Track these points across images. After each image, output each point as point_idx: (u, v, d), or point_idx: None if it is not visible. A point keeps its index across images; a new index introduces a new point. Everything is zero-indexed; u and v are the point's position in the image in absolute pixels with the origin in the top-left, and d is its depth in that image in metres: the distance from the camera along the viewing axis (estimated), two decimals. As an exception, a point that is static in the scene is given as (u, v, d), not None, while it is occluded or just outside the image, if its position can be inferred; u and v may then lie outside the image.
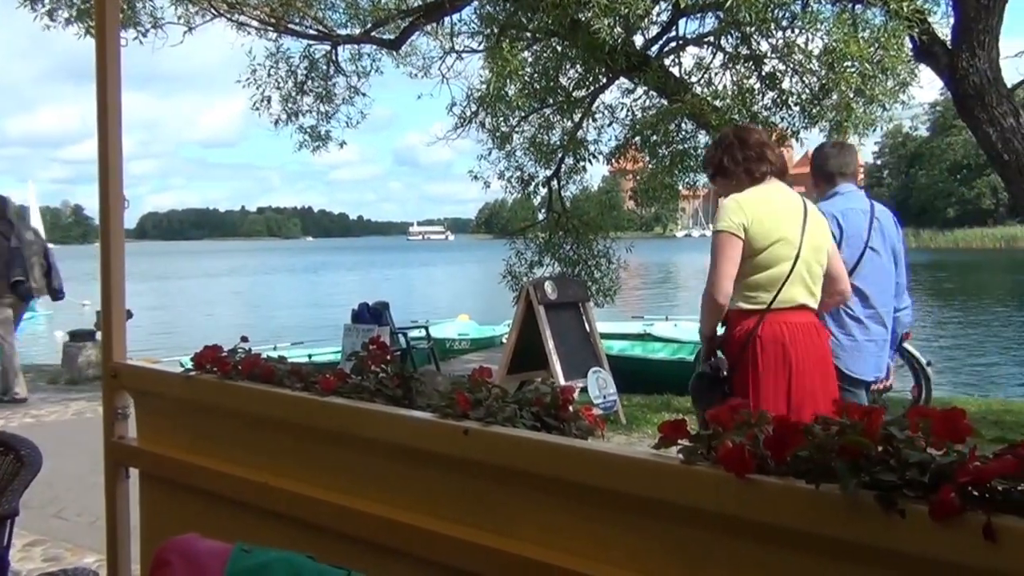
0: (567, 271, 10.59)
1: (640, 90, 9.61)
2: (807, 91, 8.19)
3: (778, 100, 8.47)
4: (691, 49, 9.34)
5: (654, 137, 9.14)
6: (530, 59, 9.51)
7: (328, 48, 10.75)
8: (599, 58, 8.09)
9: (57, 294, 9.20)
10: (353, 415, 2.12)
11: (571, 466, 1.71)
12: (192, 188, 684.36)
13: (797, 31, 7.69)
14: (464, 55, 10.63)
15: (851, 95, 7.47)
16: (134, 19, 9.43)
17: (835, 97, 7.76)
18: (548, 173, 11.02)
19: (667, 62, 9.05)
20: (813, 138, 10.24)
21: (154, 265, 70.10)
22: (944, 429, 1.32)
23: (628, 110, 10.01)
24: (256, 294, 44.81)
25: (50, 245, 9.66)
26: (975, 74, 7.01)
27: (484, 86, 9.25)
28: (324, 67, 10.76)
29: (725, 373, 3.48)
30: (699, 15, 8.81)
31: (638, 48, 8.73)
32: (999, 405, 9.73)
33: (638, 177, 11.57)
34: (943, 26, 7.56)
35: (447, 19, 10.25)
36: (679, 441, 1.57)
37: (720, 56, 9.03)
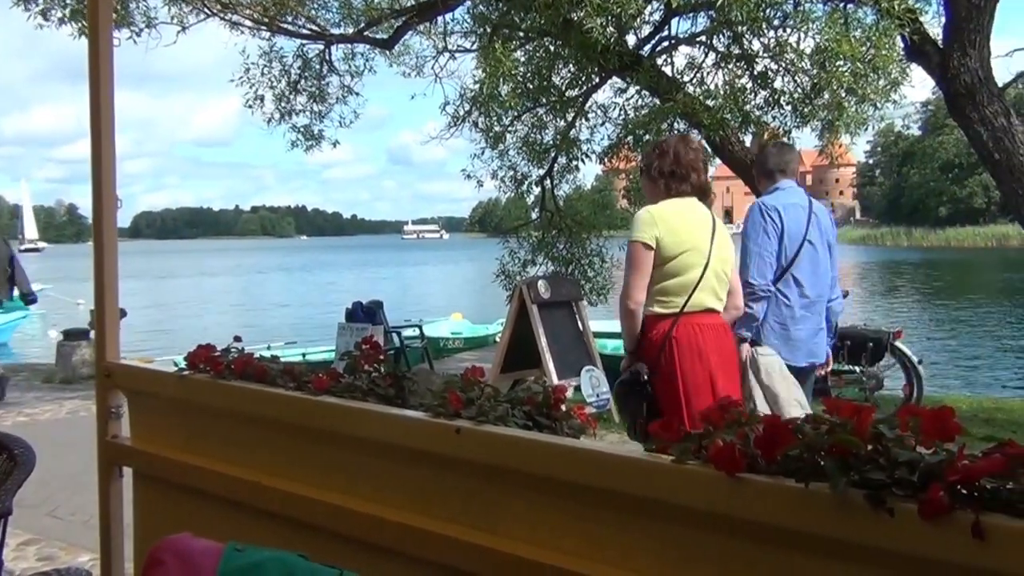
0: (560, 270, 10.60)
1: (632, 89, 9.62)
2: (799, 90, 8.21)
3: (770, 99, 8.49)
4: (683, 48, 9.37)
5: (647, 136, 9.12)
6: (523, 59, 9.52)
7: (321, 47, 10.75)
8: (592, 57, 8.09)
9: (27, 298, 9.24)
10: (346, 414, 2.12)
11: (563, 465, 1.71)
12: (186, 187, 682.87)
13: (789, 30, 7.72)
14: (457, 55, 10.64)
15: (843, 94, 7.50)
16: (128, 19, 9.41)
17: (827, 96, 7.78)
18: (541, 172, 11.03)
19: (659, 61, 9.05)
20: (805, 137, 10.27)
21: (149, 264, 69.95)
22: (933, 428, 1.33)
23: (621, 109, 10.02)
24: (251, 293, 44.72)
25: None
26: (966, 73, 7.04)
27: (477, 86, 9.26)
28: (317, 66, 10.76)
29: (646, 377, 3.68)
30: (691, 15, 8.83)
31: (630, 47, 8.73)
32: (990, 403, 9.76)
33: (631, 176, 11.59)
34: (934, 25, 7.59)
35: (440, 19, 10.25)
36: (670, 440, 1.57)
37: (712, 55, 9.05)
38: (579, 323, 8.45)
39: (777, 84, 8.36)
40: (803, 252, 4.61)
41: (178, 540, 1.46)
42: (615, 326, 4.64)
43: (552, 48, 9.34)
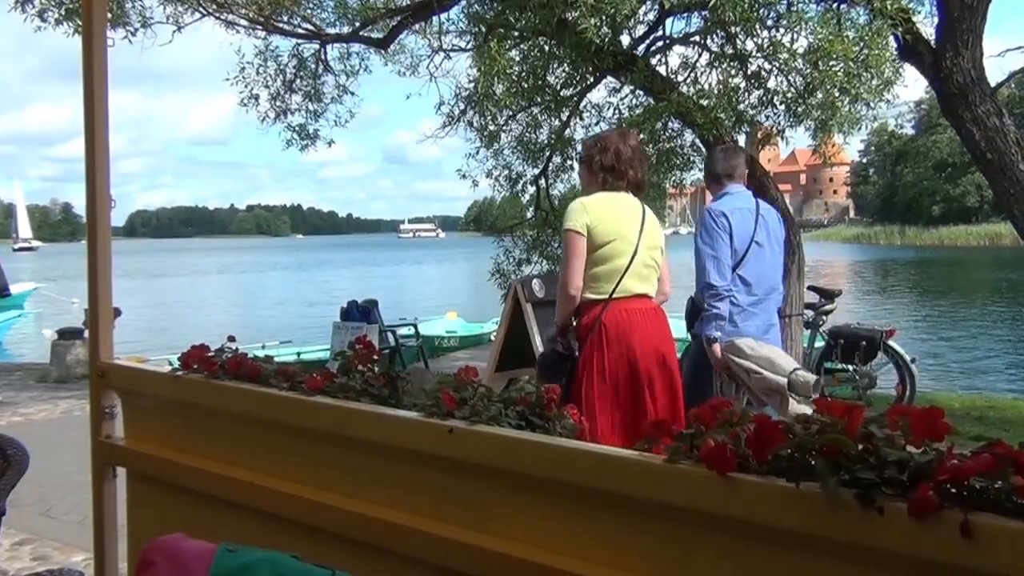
0: (555, 269, 10.60)
1: (627, 89, 9.60)
2: (792, 90, 8.20)
3: (763, 99, 8.48)
4: (677, 48, 9.35)
5: (640, 135, 9.14)
6: (518, 58, 9.50)
7: (317, 47, 10.73)
8: (586, 57, 8.08)
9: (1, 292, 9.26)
10: (339, 415, 2.13)
11: (555, 465, 1.72)
12: (181, 186, 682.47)
13: (782, 30, 7.71)
14: (452, 54, 10.62)
15: (836, 94, 7.49)
16: (123, 18, 9.40)
17: (820, 96, 7.78)
18: (536, 171, 11.02)
19: (653, 61, 9.04)
20: (799, 136, 10.28)
21: (144, 263, 69.89)
22: (923, 428, 1.34)
23: (615, 109, 10.01)
24: (247, 292, 44.68)
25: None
26: (959, 73, 7.05)
27: (472, 85, 9.25)
28: (313, 66, 10.74)
29: (577, 354, 3.96)
30: (685, 15, 8.82)
31: (625, 47, 8.72)
32: (983, 402, 9.79)
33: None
34: (927, 25, 7.59)
35: (435, 18, 10.24)
36: (662, 440, 1.58)
37: (706, 55, 9.04)
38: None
39: (770, 84, 8.36)
40: (751, 252, 4.90)
41: (170, 541, 1.46)
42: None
43: (547, 48, 9.32)
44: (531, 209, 11.56)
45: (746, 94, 8.56)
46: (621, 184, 4.08)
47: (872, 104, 7.84)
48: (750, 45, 8.29)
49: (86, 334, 9.32)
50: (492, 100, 8.99)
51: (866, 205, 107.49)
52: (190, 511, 2.43)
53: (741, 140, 9.39)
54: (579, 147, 10.50)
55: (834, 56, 7.13)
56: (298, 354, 11.66)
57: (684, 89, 8.78)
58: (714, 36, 8.65)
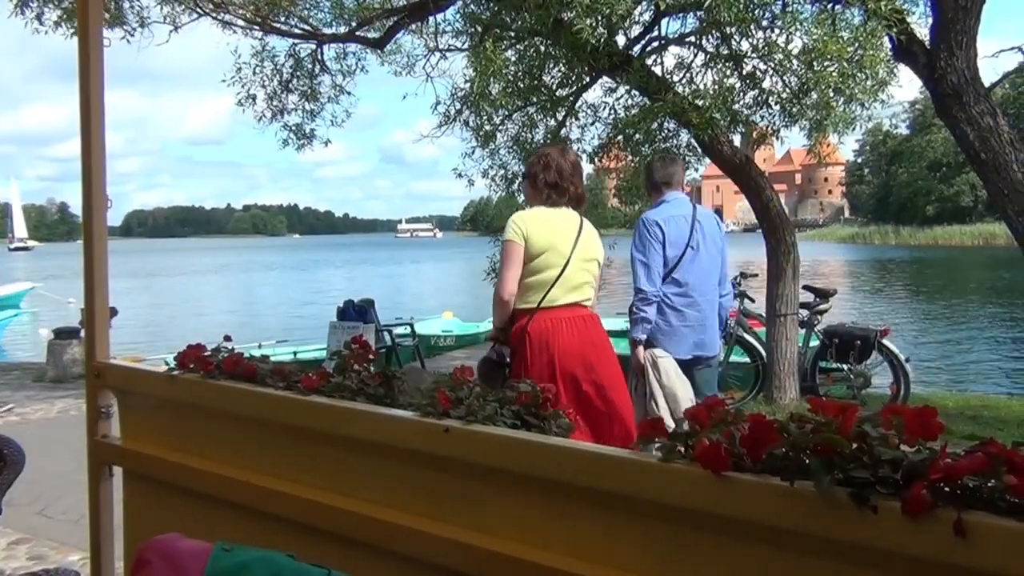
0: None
1: (622, 89, 9.60)
2: (787, 90, 8.22)
3: (759, 99, 8.50)
4: (673, 49, 9.35)
5: (637, 136, 9.14)
6: (513, 58, 9.50)
7: (313, 47, 10.74)
8: (582, 57, 8.09)
9: None
10: (335, 414, 2.13)
11: (550, 464, 1.72)
12: (178, 186, 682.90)
13: (777, 31, 7.72)
14: (448, 54, 10.63)
15: (831, 94, 7.52)
16: (120, 18, 9.41)
17: (815, 96, 7.80)
18: (532, 171, 11.01)
19: (649, 61, 9.04)
20: (794, 136, 10.29)
21: (141, 263, 69.81)
22: (916, 427, 1.34)
23: (611, 109, 10.02)
24: (243, 292, 44.63)
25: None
26: (953, 74, 7.07)
27: (468, 85, 9.25)
28: (309, 65, 10.75)
29: (508, 360, 4.17)
30: (680, 15, 8.83)
31: (620, 47, 8.73)
32: (977, 400, 9.82)
33: (621, 175, 11.59)
34: (921, 26, 7.61)
35: (431, 18, 10.25)
36: (657, 439, 1.59)
37: (701, 56, 9.06)
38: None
39: (765, 84, 8.38)
40: (686, 256, 5.22)
41: (165, 540, 1.46)
42: (606, 324, 4.91)
43: (542, 48, 9.33)
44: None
45: (741, 94, 8.57)
46: (563, 200, 4.29)
47: (867, 104, 7.87)
48: (745, 46, 8.31)
49: (82, 334, 9.34)
50: (488, 100, 8.99)
51: (861, 205, 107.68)
52: (186, 510, 2.43)
53: (736, 140, 9.40)
54: (574, 147, 10.54)
55: (829, 57, 7.15)
56: (294, 353, 11.65)
57: (680, 89, 8.78)
58: (709, 36, 8.67)
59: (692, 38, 9.03)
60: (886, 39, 7.35)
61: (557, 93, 9.99)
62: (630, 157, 10.41)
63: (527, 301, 4.16)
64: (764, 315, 9.31)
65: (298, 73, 10.68)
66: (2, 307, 22.43)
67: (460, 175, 11.07)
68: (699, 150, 9.41)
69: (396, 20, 10.20)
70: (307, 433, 2.20)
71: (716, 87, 8.52)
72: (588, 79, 9.73)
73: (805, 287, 9.59)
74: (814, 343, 9.37)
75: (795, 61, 7.72)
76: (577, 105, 10.25)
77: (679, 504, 1.52)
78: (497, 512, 1.82)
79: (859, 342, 8.79)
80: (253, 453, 2.33)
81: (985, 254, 61.30)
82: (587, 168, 15.53)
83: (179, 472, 2.46)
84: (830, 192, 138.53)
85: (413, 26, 10.52)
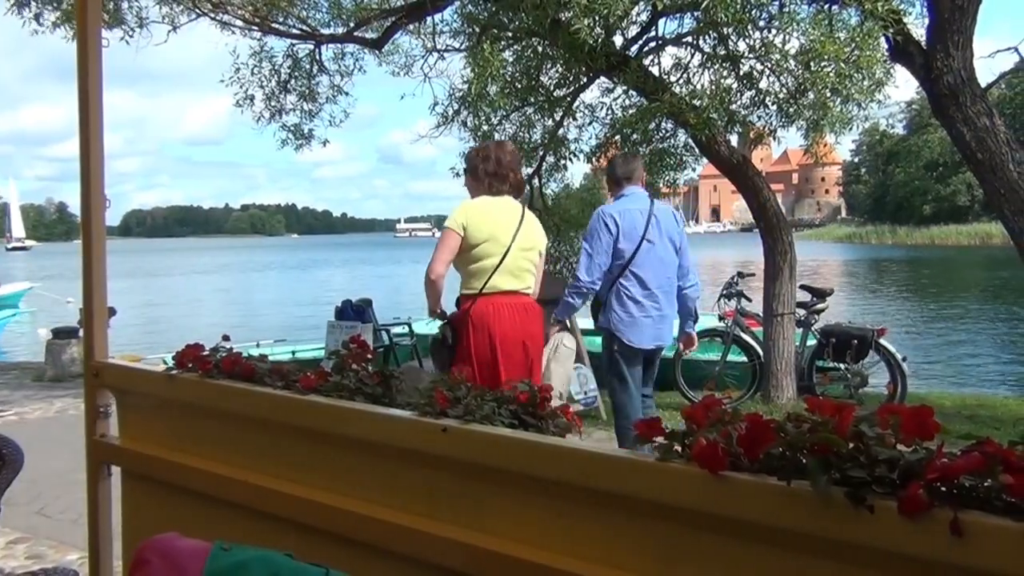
0: (548, 268, 10.59)
1: (620, 89, 9.61)
2: (784, 90, 8.23)
3: (756, 99, 8.50)
4: (670, 49, 9.35)
5: (634, 136, 9.15)
6: (511, 58, 9.51)
7: (312, 47, 10.73)
8: (579, 58, 8.09)
9: None
10: (333, 413, 2.13)
11: (548, 463, 1.73)
12: (177, 186, 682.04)
13: (774, 31, 7.73)
14: (446, 54, 10.63)
15: (828, 94, 7.53)
16: (119, 19, 9.41)
17: (812, 96, 7.81)
18: (529, 171, 10.99)
19: (646, 62, 9.05)
20: (791, 136, 10.31)
21: (140, 262, 69.77)
22: (913, 426, 1.35)
23: (608, 109, 10.02)
24: (243, 291, 44.60)
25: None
26: (949, 74, 7.08)
27: (466, 85, 9.25)
28: (307, 66, 10.75)
29: (451, 341, 4.48)
30: (677, 16, 8.84)
31: (618, 48, 8.73)
32: (974, 400, 9.84)
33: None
34: (918, 26, 7.63)
35: (429, 19, 10.25)
36: (654, 438, 1.59)
37: (698, 56, 9.06)
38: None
39: (762, 84, 8.38)
40: (642, 250, 5.40)
41: (164, 540, 1.46)
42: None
43: (540, 48, 9.34)
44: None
45: (738, 95, 8.58)
46: (504, 187, 4.55)
47: (863, 104, 7.88)
48: (742, 46, 8.32)
49: (81, 333, 9.34)
50: (486, 100, 8.99)
51: (858, 204, 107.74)
52: (185, 510, 2.43)
53: (733, 140, 9.42)
54: (572, 147, 10.56)
55: (826, 57, 7.17)
56: (293, 353, 11.65)
57: (677, 89, 8.79)
58: (706, 37, 8.67)
59: (689, 38, 9.04)
60: (883, 40, 7.36)
61: (555, 93, 10.00)
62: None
63: (470, 287, 4.46)
64: (761, 314, 9.33)
65: (296, 73, 10.68)
66: (1, 307, 22.40)
67: (458, 175, 11.03)
68: (696, 150, 9.42)
69: (394, 20, 10.20)
70: (305, 432, 2.20)
71: (713, 87, 8.53)
72: (586, 79, 9.74)
73: (802, 287, 9.60)
74: (811, 342, 9.39)
75: (792, 61, 7.73)
76: (575, 105, 10.27)
77: (676, 503, 1.52)
78: (495, 511, 1.83)
79: (856, 341, 8.81)
80: (251, 452, 2.33)
81: (981, 254, 61.34)
82: (585, 168, 15.57)
83: (177, 471, 2.46)
84: (827, 192, 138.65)
85: (411, 26, 10.53)
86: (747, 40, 8.10)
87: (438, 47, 10.58)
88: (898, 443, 1.35)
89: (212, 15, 9.88)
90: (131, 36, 9.58)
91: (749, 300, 9.80)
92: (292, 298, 36.74)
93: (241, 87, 10.44)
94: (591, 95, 10.64)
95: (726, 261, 46.02)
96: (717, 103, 7.99)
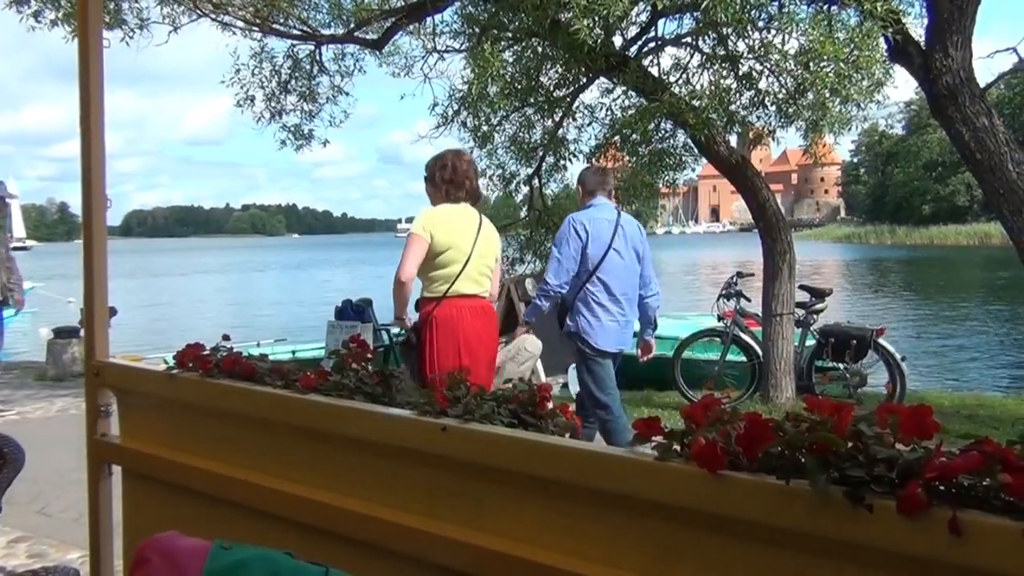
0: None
1: (619, 90, 9.61)
2: (783, 91, 8.22)
3: (755, 99, 8.50)
4: (669, 49, 9.35)
5: (633, 136, 9.14)
6: (511, 59, 9.51)
7: (312, 48, 10.73)
8: (579, 58, 8.09)
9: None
10: (332, 413, 2.13)
11: (547, 463, 1.73)
12: (177, 186, 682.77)
13: (773, 32, 7.73)
14: (446, 55, 10.63)
15: (827, 94, 7.52)
16: (120, 19, 9.41)
17: (811, 96, 7.80)
18: (529, 171, 11.02)
19: (646, 62, 9.05)
20: (790, 137, 10.31)
21: (140, 263, 69.72)
22: (912, 426, 1.35)
23: (608, 109, 10.02)
24: (244, 291, 44.57)
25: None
26: (948, 74, 7.09)
27: (466, 86, 9.26)
28: (308, 66, 10.74)
29: (414, 342, 4.72)
30: (677, 16, 8.84)
31: (617, 48, 8.73)
32: (972, 399, 9.84)
33: (618, 175, 11.60)
34: (917, 27, 7.64)
35: (429, 19, 10.25)
36: (653, 438, 1.59)
37: (698, 56, 9.06)
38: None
39: (762, 85, 8.38)
40: (608, 258, 5.67)
41: (164, 539, 1.46)
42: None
43: (540, 49, 9.34)
44: (524, 208, 11.57)
45: (738, 95, 8.58)
46: (461, 194, 4.82)
47: (862, 105, 7.88)
48: (741, 46, 8.32)
49: (82, 333, 9.33)
50: (486, 101, 9.00)
51: (857, 204, 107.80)
52: (184, 509, 2.43)
53: (733, 140, 9.42)
54: (571, 147, 10.58)
55: (825, 57, 7.16)
56: (293, 352, 11.66)
57: (676, 90, 8.79)
58: (706, 37, 8.68)
59: (689, 39, 9.04)
60: (882, 40, 7.36)
61: (554, 94, 10.01)
62: (627, 157, 10.43)
63: (434, 291, 4.71)
64: (760, 314, 9.33)
65: (296, 74, 10.68)
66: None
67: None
68: (696, 150, 9.42)
69: (394, 21, 10.20)
70: (305, 432, 2.20)
71: (713, 88, 8.53)
72: (585, 80, 9.74)
73: (801, 286, 9.61)
74: (810, 342, 9.39)
75: (791, 62, 7.73)
76: (574, 106, 10.27)
77: (675, 503, 1.52)
78: (494, 510, 1.83)
79: (855, 341, 8.82)
80: (251, 452, 2.33)
81: (980, 254, 61.33)
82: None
83: (178, 470, 2.46)
84: (826, 192, 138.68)
85: (411, 27, 10.52)
86: (746, 40, 8.11)
87: (438, 48, 10.58)
88: (897, 442, 1.35)
89: (213, 16, 9.87)
90: (131, 37, 9.59)
91: (748, 300, 9.80)
92: (293, 298, 36.73)
93: (242, 87, 10.46)
94: (591, 95, 10.69)
95: (725, 261, 46.05)
96: (716, 103, 7.99)
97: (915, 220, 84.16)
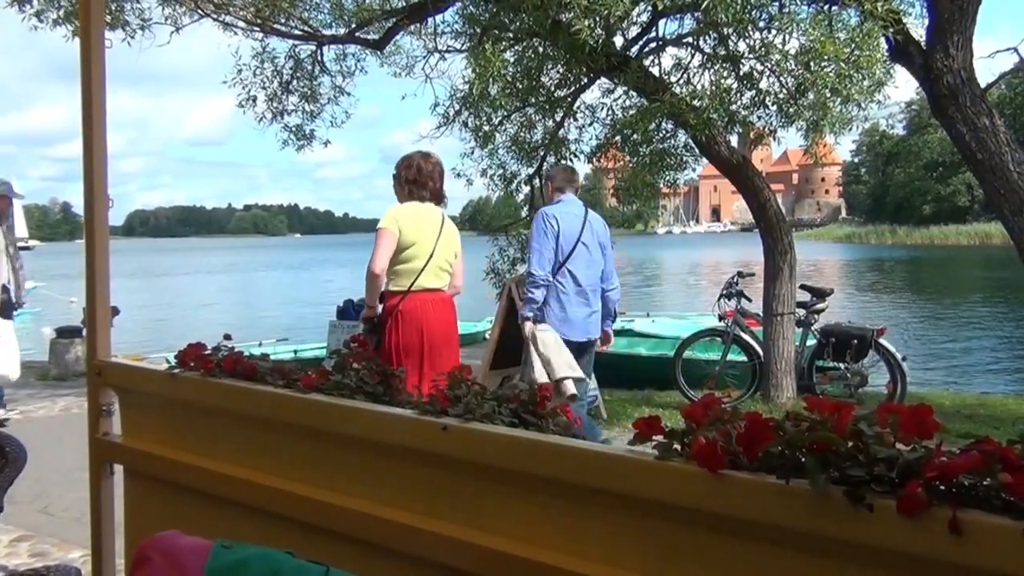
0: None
1: (620, 90, 9.61)
2: (784, 91, 8.22)
3: (756, 99, 8.49)
4: (670, 49, 9.34)
5: (634, 136, 9.14)
6: (512, 59, 9.50)
7: (313, 48, 10.73)
8: (580, 58, 8.08)
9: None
10: (334, 412, 2.13)
11: (547, 462, 1.73)
12: (179, 186, 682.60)
13: (774, 32, 7.72)
14: (447, 55, 10.64)
15: (827, 94, 7.52)
16: (122, 19, 9.41)
17: (812, 96, 7.80)
18: (530, 171, 11.02)
19: (647, 62, 9.04)
20: (791, 137, 10.33)
21: (144, 262, 69.76)
22: (912, 425, 1.35)
23: (608, 110, 10.02)
24: (244, 291, 44.56)
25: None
26: (949, 74, 7.09)
27: (467, 86, 9.25)
28: (309, 67, 10.75)
29: (378, 336, 4.90)
30: (678, 16, 8.84)
31: (618, 49, 8.73)
32: (973, 399, 9.84)
33: (619, 175, 11.60)
34: (918, 27, 7.63)
35: (430, 19, 10.25)
36: (654, 437, 1.60)
37: (698, 56, 9.05)
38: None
39: (762, 85, 8.37)
40: (577, 251, 5.98)
41: (166, 538, 1.46)
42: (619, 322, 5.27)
43: (541, 49, 9.33)
44: (525, 208, 11.57)
45: (738, 95, 8.58)
46: (424, 194, 5.09)
47: (863, 105, 7.88)
48: (742, 46, 8.32)
49: (84, 332, 9.34)
50: (487, 101, 9.00)
51: (858, 204, 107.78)
52: (186, 508, 2.44)
53: (734, 140, 9.42)
54: (572, 147, 10.59)
55: (825, 57, 7.16)
56: (295, 352, 11.67)
57: (677, 90, 8.78)
58: (707, 37, 8.67)
59: (690, 39, 9.04)
60: (883, 40, 7.36)
61: (555, 94, 10.00)
62: (628, 157, 10.43)
63: (399, 284, 4.96)
64: (761, 314, 9.33)
65: (298, 74, 10.69)
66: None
67: (459, 175, 11.08)
68: (696, 150, 9.42)
69: (395, 21, 10.20)
70: (306, 431, 2.21)
71: (713, 88, 8.52)
72: (586, 80, 9.74)
73: (802, 286, 9.61)
74: (811, 342, 9.39)
75: (792, 62, 7.72)
76: (575, 106, 10.27)
77: (675, 502, 1.52)
78: (495, 509, 1.83)
79: (856, 341, 8.81)
80: (253, 451, 2.33)
81: (981, 254, 61.27)
82: (586, 168, 15.58)
83: (179, 470, 2.47)
84: (827, 192, 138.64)
85: (412, 27, 10.52)
86: (747, 40, 8.10)
87: (439, 48, 10.59)
88: (897, 442, 1.35)
89: (214, 16, 9.88)
90: (133, 37, 9.60)
91: (749, 300, 9.80)
92: (294, 297, 36.73)
93: (243, 88, 10.46)
94: (592, 96, 10.67)
95: (726, 261, 46.03)
96: (717, 103, 7.99)
97: (916, 220, 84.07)
